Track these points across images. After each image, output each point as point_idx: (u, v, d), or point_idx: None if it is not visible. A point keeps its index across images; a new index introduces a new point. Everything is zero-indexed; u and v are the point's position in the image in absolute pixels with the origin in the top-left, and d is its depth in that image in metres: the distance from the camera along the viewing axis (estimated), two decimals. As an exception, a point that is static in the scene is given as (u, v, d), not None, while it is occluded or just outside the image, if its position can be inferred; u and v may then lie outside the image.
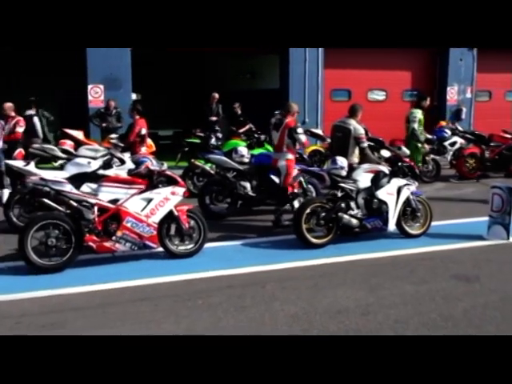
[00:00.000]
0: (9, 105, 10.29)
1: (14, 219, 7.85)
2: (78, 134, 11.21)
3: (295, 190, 8.27)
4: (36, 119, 11.99)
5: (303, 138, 8.16)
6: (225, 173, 8.93)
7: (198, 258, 6.60)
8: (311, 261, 6.52)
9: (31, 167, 7.79)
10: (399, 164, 8.21)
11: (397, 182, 7.50)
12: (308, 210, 7.00)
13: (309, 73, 16.44)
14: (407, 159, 9.34)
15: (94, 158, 8.91)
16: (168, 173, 6.71)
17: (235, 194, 8.68)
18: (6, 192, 9.56)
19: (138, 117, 9.41)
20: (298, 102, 15.47)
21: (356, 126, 7.84)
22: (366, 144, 7.92)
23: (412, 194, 7.56)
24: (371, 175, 7.45)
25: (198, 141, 11.59)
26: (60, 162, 9.68)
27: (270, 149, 11.35)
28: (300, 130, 8.16)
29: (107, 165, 8.42)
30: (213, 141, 11.23)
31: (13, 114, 10.25)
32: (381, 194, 7.32)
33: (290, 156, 8.14)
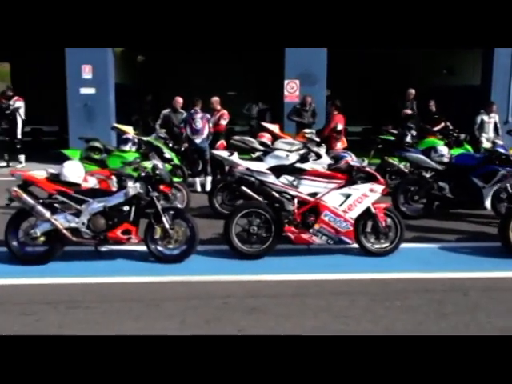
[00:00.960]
0: (215, 99, 11.05)
1: (217, 206, 8.42)
2: (275, 128, 11.65)
3: None
4: None
5: None
6: (421, 172, 8.62)
7: (392, 257, 6.47)
8: (518, 272, 6.02)
9: (235, 158, 8.27)
10: None
11: None
12: (516, 217, 6.47)
13: (515, 68, 15.15)
14: None
15: (290, 152, 9.19)
16: (368, 169, 6.67)
17: (432, 194, 8.34)
18: (209, 179, 10.34)
19: (336, 112, 9.50)
20: (501, 100, 14.56)
21: None
22: None
23: None
24: None
25: (392, 138, 11.34)
26: (258, 153, 10.18)
27: (470, 149, 10.73)
28: None
29: (304, 158, 8.62)
30: (408, 138, 10.89)
31: (218, 107, 10.99)
32: None
33: None
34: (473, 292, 5.38)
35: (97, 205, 6.06)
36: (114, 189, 6.16)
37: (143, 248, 6.28)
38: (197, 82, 17.65)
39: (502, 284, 5.68)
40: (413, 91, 13.41)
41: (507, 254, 6.46)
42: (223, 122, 10.97)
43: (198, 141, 10.42)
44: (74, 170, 6.28)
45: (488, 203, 7.98)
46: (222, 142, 10.70)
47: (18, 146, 13.37)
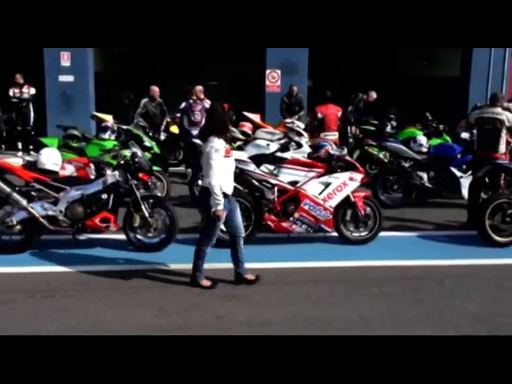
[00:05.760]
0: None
1: (197, 194, 8.38)
2: (256, 118, 11.66)
3: None
4: None
5: None
6: (400, 162, 8.70)
7: (371, 246, 6.53)
8: (494, 260, 6.11)
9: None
10: None
11: None
12: (493, 206, 6.56)
13: (494, 60, 15.30)
14: None
15: (271, 141, 9.20)
16: (347, 158, 6.70)
17: (411, 184, 8.42)
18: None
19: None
20: (480, 91, 14.71)
21: (508, 116, 7.20)
22: None
23: None
24: None
25: (372, 128, 11.41)
26: (238, 143, 10.18)
27: (449, 139, 10.83)
28: None
29: (285, 148, 8.63)
30: (388, 128, 10.97)
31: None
32: None
33: None
34: (448, 279, 5.46)
35: (74, 193, 6.01)
36: (92, 177, 6.12)
37: (122, 236, 6.25)
38: (178, 71, 17.50)
39: (477, 271, 5.77)
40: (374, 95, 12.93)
41: (483, 242, 6.56)
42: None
43: (194, 132, 10.24)
44: (51, 158, 6.22)
45: (465, 192, 8.07)
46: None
47: (33, 133, 13.10)
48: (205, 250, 5.16)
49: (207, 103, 10.73)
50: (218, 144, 4.90)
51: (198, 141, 9.04)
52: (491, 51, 15.21)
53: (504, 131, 7.25)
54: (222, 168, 4.92)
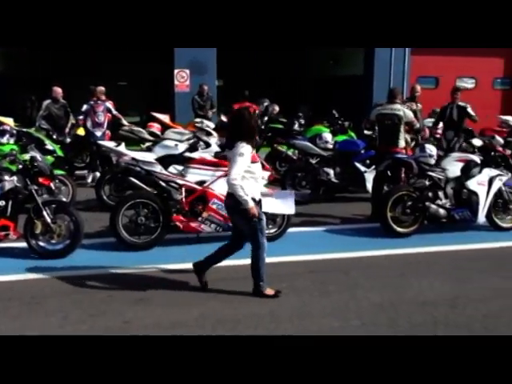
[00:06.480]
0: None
1: (105, 198, 8.20)
2: (165, 118, 11.53)
3: None
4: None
5: None
6: (308, 159, 8.90)
7: (280, 242, 6.62)
8: (395, 250, 6.40)
9: (122, 148, 8.06)
10: (492, 154, 7.86)
11: (489, 172, 7.20)
12: (394, 199, 6.86)
13: (395, 59, 16.02)
14: (500, 149, 8.93)
15: (180, 141, 9.14)
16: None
17: (318, 180, 8.64)
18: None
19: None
20: (383, 89, 15.33)
21: (405, 111, 7.68)
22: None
23: (504, 185, 7.23)
24: (461, 164, 7.19)
25: (280, 126, 11.60)
26: (147, 144, 10.03)
27: (354, 135, 11.22)
28: None
29: (193, 148, 8.59)
30: (296, 126, 11.20)
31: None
32: (471, 184, 7.05)
33: None
34: (353, 271, 5.65)
35: None
36: (-11, 183, 5.80)
37: (24, 244, 5.98)
38: (85, 71, 16.98)
39: (380, 262, 6.01)
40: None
41: (385, 233, 6.84)
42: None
43: (98, 134, 9.98)
44: None
45: (370, 186, 8.38)
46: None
47: None
48: (261, 255, 4.95)
49: (110, 104, 10.51)
50: (244, 149, 4.71)
51: (104, 143, 8.82)
52: (392, 51, 15.92)
53: (403, 126, 7.60)
54: (247, 174, 4.75)
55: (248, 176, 4.74)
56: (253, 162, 4.78)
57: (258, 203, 4.89)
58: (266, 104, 12.18)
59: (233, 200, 4.78)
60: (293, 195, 5.43)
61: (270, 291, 5.00)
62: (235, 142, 4.77)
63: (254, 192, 4.81)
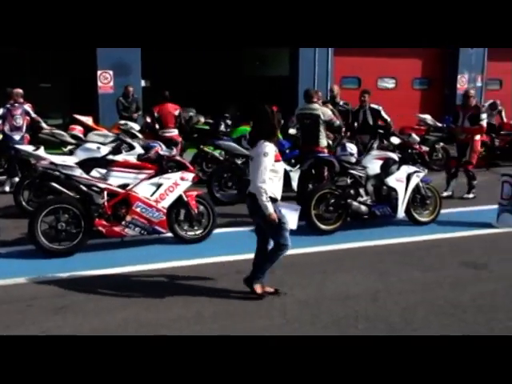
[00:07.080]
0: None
1: (24, 204, 7.88)
2: (88, 120, 11.24)
3: None
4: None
5: None
6: (234, 159, 8.93)
7: (206, 243, 6.61)
8: (320, 247, 6.53)
9: (41, 152, 7.77)
10: (409, 151, 8.17)
11: (406, 169, 7.47)
12: (317, 197, 7.00)
13: (319, 60, 16.34)
14: (417, 146, 9.29)
15: (103, 144, 8.94)
16: (177, 158, 6.73)
17: (244, 180, 8.66)
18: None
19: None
20: (308, 90, 15.60)
21: (323, 110, 7.96)
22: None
23: (421, 181, 7.54)
24: (381, 162, 7.43)
25: (207, 127, 11.58)
26: (69, 147, 9.72)
27: (279, 135, 11.32)
28: None
29: (117, 150, 8.43)
30: (222, 127, 11.21)
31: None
32: (390, 180, 7.30)
33: None
34: (278, 269, 5.68)
35: None
36: None
37: None
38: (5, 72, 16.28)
39: (304, 259, 6.11)
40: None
41: (310, 231, 6.97)
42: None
43: (17, 137, 9.56)
44: None
45: (295, 185, 8.51)
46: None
47: None
48: (280, 254, 4.94)
49: (28, 106, 10.12)
50: (268, 148, 4.64)
51: (22, 147, 8.49)
52: (315, 51, 16.23)
53: (322, 125, 7.77)
54: (271, 173, 4.67)
55: (272, 175, 4.74)
56: (276, 160, 4.79)
57: (275, 202, 4.86)
58: (191, 114, 12.19)
59: (252, 201, 4.81)
60: (298, 211, 5.40)
61: (258, 289, 5.00)
62: (257, 140, 4.78)
63: (276, 191, 4.85)
